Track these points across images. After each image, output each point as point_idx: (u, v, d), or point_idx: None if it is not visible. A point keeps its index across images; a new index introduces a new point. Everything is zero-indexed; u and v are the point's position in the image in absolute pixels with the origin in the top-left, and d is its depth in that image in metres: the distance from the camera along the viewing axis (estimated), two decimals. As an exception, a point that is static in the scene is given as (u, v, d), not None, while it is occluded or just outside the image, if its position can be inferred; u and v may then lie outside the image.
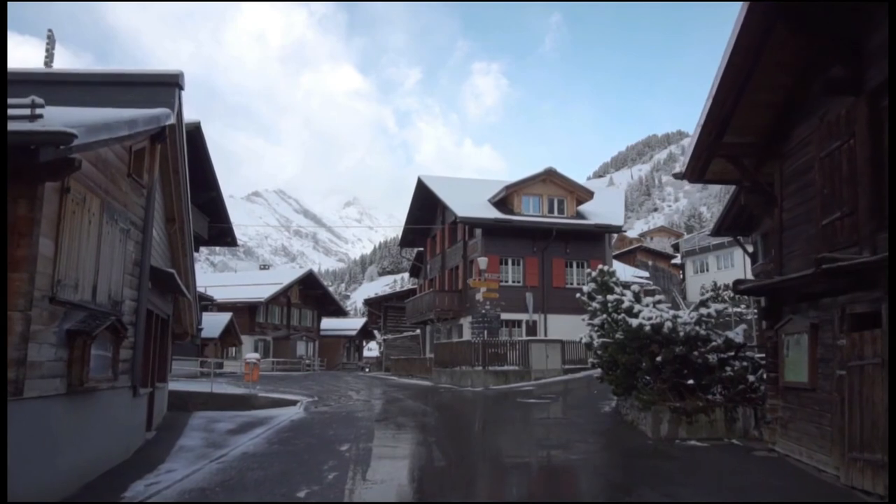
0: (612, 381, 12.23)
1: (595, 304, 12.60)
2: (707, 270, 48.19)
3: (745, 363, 10.92)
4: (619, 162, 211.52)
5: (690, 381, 11.41)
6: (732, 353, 11.24)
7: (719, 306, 11.41)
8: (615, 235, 40.91)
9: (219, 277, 65.37)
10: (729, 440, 10.43)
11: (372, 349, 65.12)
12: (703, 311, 11.58)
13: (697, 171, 10.32)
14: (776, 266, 9.46)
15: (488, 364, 22.54)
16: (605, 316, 11.69)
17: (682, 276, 52.26)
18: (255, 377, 19.69)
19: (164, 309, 12.56)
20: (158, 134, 9.44)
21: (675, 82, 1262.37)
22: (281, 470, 8.57)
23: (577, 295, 13.99)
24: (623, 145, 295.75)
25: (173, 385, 20.09)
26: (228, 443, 10.82)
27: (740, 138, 9.71)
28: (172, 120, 9.38)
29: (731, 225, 25.80)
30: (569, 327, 26.91)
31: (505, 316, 25.68)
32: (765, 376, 11.10)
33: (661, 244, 69.07)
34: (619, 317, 11.08)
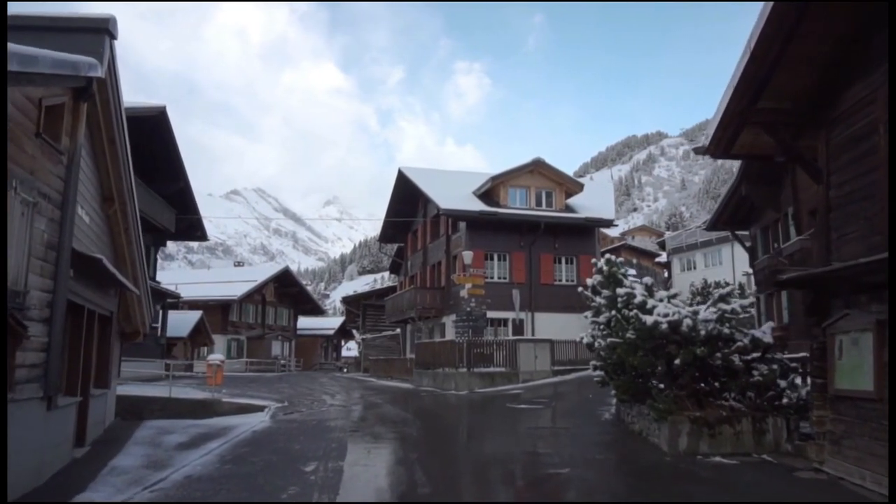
0: (619, 386, 10.74)
1: (600, 300, 11.10)
2: (694, 268, 47.18)
3: (774, 366, 9.50)
4: (599, 162, 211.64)
5: (702, 386, 10.02)
6: (758, 355, 9.82)
7: (745, 301, 9.97)
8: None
9: (190, 274, 63.07)
10: (759, 456, 9.00)
11: (351, 349, 63.34)
12: (723, 306, 10.11)
13: (724, 142, 8.86)
14: (821, 252, 8.03)
15: (473, 365, 21.01)
16: (613, 312, 10.20)
17: (667, 274, 51.20)
18: (219, 380, 17.99)
19: (103, 304, 10.83)
20: (83, 90, 7.75)
21: (656, 83, 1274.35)
22: (228, 500, 6.94)
23: (580, 289, 12.49)
24: (603, 146, 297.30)
25: (128, 389, 18.28)
26: (173, 462, 9.14)
27: (777, 104, 8.26)
28: (100, 73, 7.68)
29: (729, 219, 24.58)
30: (558, 326, 25.57)
31: (490, 314, 24.17)
32: (797, 381, 9.75)
33: (643, 243, 68.22)
34: (631, 313, 9.59)
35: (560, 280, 27.67)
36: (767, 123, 8.32)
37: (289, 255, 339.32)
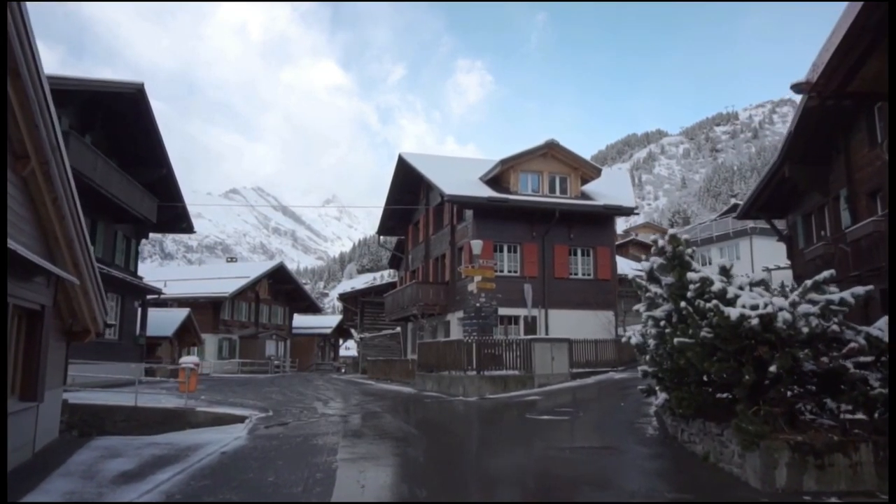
0: (681, 399, 8.42)
1: (656, 289, 8.78)
2: (710, 264, 44.57)
3: (899, 374, 7.17)
4: (600, 160, 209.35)
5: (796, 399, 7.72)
6: (870, 360, 7.51)
7: (859, 290, 7.62)
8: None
9: (179, 270, 60.67)
10: (886, 496, 6.69)
11: (350, 348, 61.07)
12: (815, 296, 7.76)
13: (842, 73, 6.55)
14: None
15: (483, 368, 18.71)
16: (683, 304, 7.87)
17: (680, 270, 48.83)
18: (193, 386, 15.68)
19: (24, 295, 8.52)
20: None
21: (656, 82, 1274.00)
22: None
23: (631, 276, 10.19)
24: (603, 144, 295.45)
25: (88, 397, 15.98)
26: (99, 504, 6.82)
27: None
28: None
29: (765, 205, 22.28)
30: (573, 324, 23.40)
31: (500, 311, 21.89)
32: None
33: (647, 240, 66.15)
34: (710, 304, 7.28)
35: (576, 273, 25.36)
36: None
37: (288, 253, 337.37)
